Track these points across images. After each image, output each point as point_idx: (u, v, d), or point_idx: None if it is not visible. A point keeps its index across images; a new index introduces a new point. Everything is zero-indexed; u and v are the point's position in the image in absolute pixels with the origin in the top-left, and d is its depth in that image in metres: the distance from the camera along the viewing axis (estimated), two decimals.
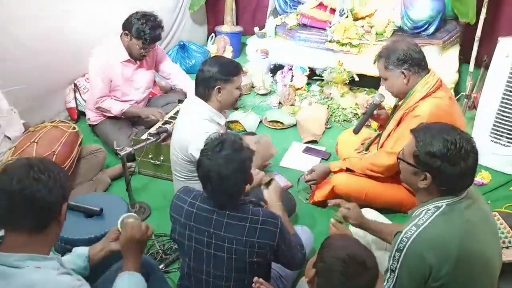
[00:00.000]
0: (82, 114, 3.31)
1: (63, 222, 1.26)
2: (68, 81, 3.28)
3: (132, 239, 1.45)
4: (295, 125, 3.40)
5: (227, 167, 1.46)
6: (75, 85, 3.28)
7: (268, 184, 1.85)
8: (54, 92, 3.19)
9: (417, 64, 2.15)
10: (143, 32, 2.74)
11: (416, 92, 2.16)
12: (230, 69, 2.09)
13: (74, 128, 2.47)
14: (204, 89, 2.09)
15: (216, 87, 2.07)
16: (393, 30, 3.73)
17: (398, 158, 1.52)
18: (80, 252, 1.53)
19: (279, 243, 1.53)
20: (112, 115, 2.93)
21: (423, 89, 2.15)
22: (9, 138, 2.27)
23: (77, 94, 3.28)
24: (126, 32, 2.80)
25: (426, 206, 1.43)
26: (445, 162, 1.36)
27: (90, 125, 3.08)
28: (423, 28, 3.69)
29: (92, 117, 3.00)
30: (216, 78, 2.06)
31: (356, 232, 1.86)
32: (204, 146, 1.55)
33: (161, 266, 2.04)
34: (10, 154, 2.18)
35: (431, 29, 3.68)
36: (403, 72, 2.15)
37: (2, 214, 1.17)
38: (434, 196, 1.43)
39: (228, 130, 2.72)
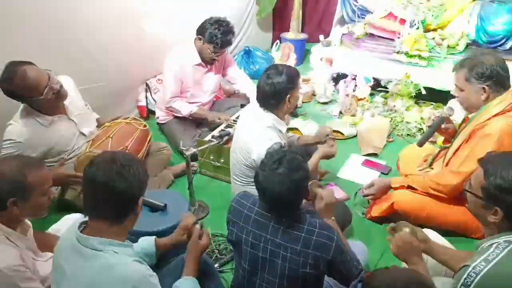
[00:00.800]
0: (151, 112, 3.51)
1: (139, 214, 1.37)
2: (141, 80, 3.49)
3: (203, 249, 1.59)
4: (355, 136, 3.36)
5: (282, 186, 1.48)
6: (147, 85, 3.48)
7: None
8: (127, 91, 3.41)
9: (501, 83, 2.02)
10: (215, 36, 2.86)
11: (489, 108, 2.03)
12: (294, 75, 2.15)
13: (145, 125, 2.62)
14: (275, 100, 2.14)
15: (288, 96, 2.13)
16: (466, 43, 3.56)
17: (465, 190, 1.45)
18: (148, 244, 1.64)
19: (334, 257, 1.52)
20: (180, 115, 3.08)
21: (498, 106, 2.02)
22: (84, 134, 2.46)
23: (148, 94, 3.49)
24: (200, 36, 2.93)
25: (496, 240, 1.35)
26: None
27: (158, 123, 3.26)
28: (499, 43, 3.49)
29: (161, 116, 3.17)
30: (288, 88, 2.12)
31: None
32: (264, 159, 1.58)
33: (215, 266, 2.11)
34: (88, 146, 2.36)
35: (509, 44, 3.47)
36: (484, 88, 2.03)
37: (88, 202, 1.29)
38: (505, 230, 1.36)
39: (290, 134, 2.73)
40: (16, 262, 1.45)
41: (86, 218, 1.34)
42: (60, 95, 2.21)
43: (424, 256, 1.74)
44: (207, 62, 3.04)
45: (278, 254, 1.55)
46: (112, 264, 1.24)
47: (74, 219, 1.94)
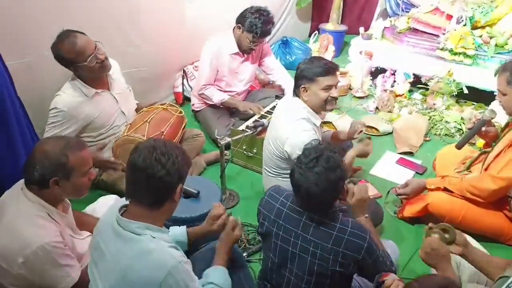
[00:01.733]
0: (186, 99, 3.56)
1: (178, 201, 1.40)
2: (179, 67, 3.53)
3: (235, 240, 1.62)
4: (391, 133, 3.29)
5: (317, 185, 1.47)
6: (184, 71, 3.52)
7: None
8: (165, 77, 3.46)
9: None
10: (255, 25, 2.85)
11: None
12: (316, 70, 2.09)
13: (180, 112, 2.67)
14: (295, 86, 2.18)
15: (301, 86, 2.12)
16: None
17: (509, 197, 1.40)
18: (181, 232, 1.69)
19: (364, 257, 1.51)
20: (212, 103, 3.10)
21: None
22: (124, 113, 2.53)
23: (185, 81, 3.53)
24: (239, 25, 2.93)
25: None
26: None
27: (193, 110, 3.30)
28: None
29: (196, 103, 3.21)
30: (302, 76, 2.12)
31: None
32: (301, 155, 1.57)
33: (244, 255, 2.13)
34: (126, 130, 2.42)
35: None
36: None
37: (130, 187, 1.34)
38: None
39: (326, 130, 2.70)
40: (56, 238, 1.51)
41: (125, 201, 1.38)
42: (103, 65, 2.30)
43: (462, 261, 1.70)
44: (245, 51, 3.03)
45: (308, 250, 1.56)
46: (150, 249, 1.28)
47: (109, 201, 2.02)
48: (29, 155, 1.55)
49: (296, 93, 2.19)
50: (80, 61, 2.20)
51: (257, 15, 2.86)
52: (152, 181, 1.29)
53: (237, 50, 3.02)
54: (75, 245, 1.68)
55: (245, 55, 3.08)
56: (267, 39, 3.21)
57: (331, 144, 1.71)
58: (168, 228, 1.71)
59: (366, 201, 1.77)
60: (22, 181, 1.59)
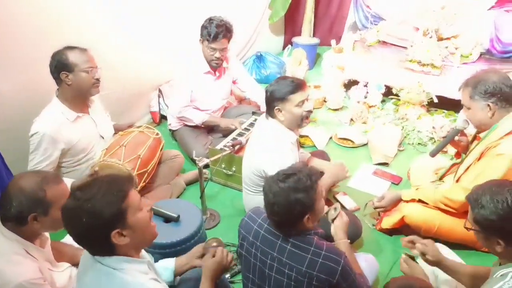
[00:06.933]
0: (163, 117, 3.55)
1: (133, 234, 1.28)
2: (154, 87, 3.52)
3: (219, 268, 1.59)
4: (366, 144, 3.36)
5: (275, 197, 1.51)
6: (160, 90, 3.52)
7: (334, 218, 1.84)
8: (140, 97, 3.45)
9: (505, 99, 2.04)
10: (207, 29, 2.89)
11: (501, 127, 2.06)
12: (285, 89, 2.13)
13: (157, 134, 2.65)
14: (268, 109, 2.22)
15: (276, 108, 2.16)
16: (480, 53, 3.54)
17: (465, 228, 1.48)
18: (167, 266, 1.66)
19: (339, 281, 1.52)
20: (193, 124, 3.11)
21: (510, 124, 2.04)
22: (102, 137, 2.51)
23: (161, 99, 3.52)
24: (200, 38, 2.97)
25: (510, 269, 1.37)
26: (505, 223, 1.32)
27: (170, 130, 3.29)
28: None
29: (173, 123, 3.20)
30: (273, 99, 2.16)
31: (425, 268, 1.83)
32: (280, 170, 1.61)
33: (227, 276, 2.14)
34: (102, 155, 2.40)
35: None
36: (488, 105, 2.06)
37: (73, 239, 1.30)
38: None
39: (301, 150, 2.73)
40: (34, 275, 1.48)
41: None
42: (96, 85, 2.33)
43: (436, 270, 1.78)
44: (213, 66, 3.04)
45: (283, 272, 1.57)
46: (128, 283, 1.26)
47: None
48: (4, 192, 1.52)
49: (270, 115, 2.22)
50: (82, 69, 2.22)
51: (209, 21, 2.91)
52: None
53: (208, 68, 3.04)
54: (54, 279, 1.64)
55: (217, 73, 3.10)
56: (241, 53, 3.23)
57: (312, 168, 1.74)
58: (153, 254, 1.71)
59: (347, 227, 1.82)
60: None
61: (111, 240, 1.23)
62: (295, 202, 1.51)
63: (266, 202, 1.56)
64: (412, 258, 1.83)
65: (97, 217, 1.19)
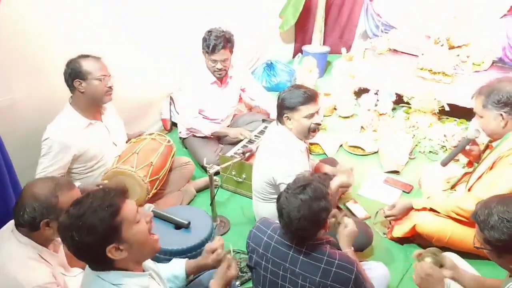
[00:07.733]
0: (174, 124, 3.58)
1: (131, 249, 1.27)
2: (165, 94, 3.56)
3: (230, 280, 1.58)
4: (376, 152, 3.35)
5: (299, 211, 1.51)
6: (171, 97, 3.55)
7: (339, 223, 1.83)
8: (151, 104, 3.48)
9: None
10: (206, 41, 2.92)
11: None
12: (297, 98, 2.14)
13: (169, 141, 2.68)
14: (278, 115, 2.24)
15: (285, 116, 2.18)
16: (492, 61, 3.52)
17: (475, 247, 1.47)
18: (179, 273, 1.66)
19: None
20: (202, 135, 3.12)
21: None
22: (115, 144, 2.53)
23: (172, 107, 3.55)
24: (202, 51, 2.99)
25: None
26: None
27: (180, 137, 3.32)
28: None
29: (183, 131, 3.23)
30: (283, 106, 2.17)
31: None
32: (291, 182, 1.62)
33: (237, 283, 2.14)
34: (115, 162, 2.43)
35: None
36: (501, 115, 2.06)
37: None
38: None
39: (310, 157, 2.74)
40: (48, 279, 1.50)
41: None
42: (109, 93, 2.37)
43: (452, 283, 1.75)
44: (217, 76, 3.06)
45: (297, 283, 1.57)
46: None
47: None
48: (18, 198, 1.55)
49: (280, 121, 2.24)
50: (95, 77, 2.26)
51: (209, 33, 2.93)
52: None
53: (214, 79, 3.06)
54: (67, 284, 1.66)
55: (222, 84, 3.12)
56: (251, 62, 3.24)
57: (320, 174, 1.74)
58: (162, 261, 1.72)
59: (355, 236, 1.82)
60: (12, 222, 1.58)
61: (108, 255, 1.21)
62: (319, 210, 1.53)
63: (288, 218, 1.53)
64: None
65: (90, 234, 1.18)
